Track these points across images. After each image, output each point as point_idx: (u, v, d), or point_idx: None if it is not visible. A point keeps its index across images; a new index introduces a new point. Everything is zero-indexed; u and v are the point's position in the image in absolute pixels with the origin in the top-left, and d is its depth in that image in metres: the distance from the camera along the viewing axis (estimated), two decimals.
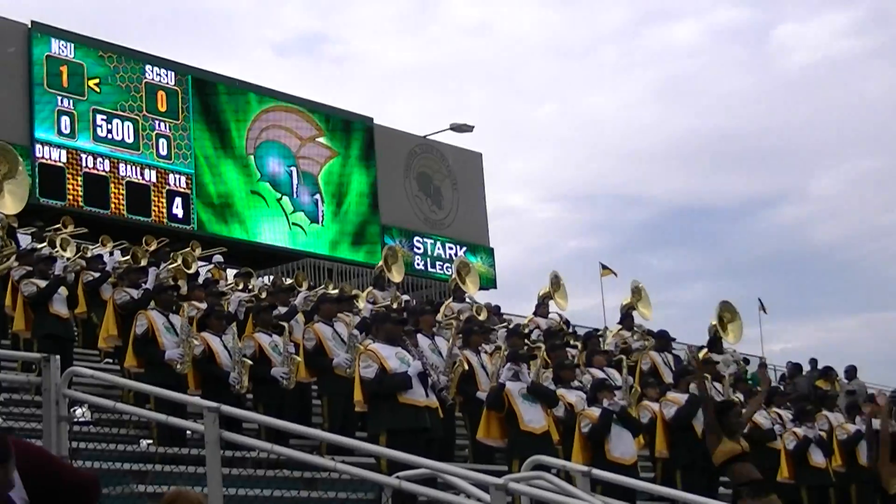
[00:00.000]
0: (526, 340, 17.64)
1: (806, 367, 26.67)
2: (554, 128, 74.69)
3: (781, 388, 23.41)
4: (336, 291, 21.40)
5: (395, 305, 19.72)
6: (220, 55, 72.69)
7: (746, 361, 24.31)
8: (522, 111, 75.70)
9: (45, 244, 18.54)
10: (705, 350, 20.81)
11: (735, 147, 74.19)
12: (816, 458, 16.56)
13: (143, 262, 18.52)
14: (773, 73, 73.78)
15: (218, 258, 23.35)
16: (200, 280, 19.83)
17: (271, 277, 25.14)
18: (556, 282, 22.97)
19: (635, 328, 21.61)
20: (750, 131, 72.59)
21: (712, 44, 75.52)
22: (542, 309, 22.24)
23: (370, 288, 22.56)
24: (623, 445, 14.20)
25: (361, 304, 19.23)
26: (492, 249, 38.90)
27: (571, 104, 76.18)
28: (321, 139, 35.26)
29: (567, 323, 22.55)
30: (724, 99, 73.62)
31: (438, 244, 37.21)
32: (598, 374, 16.85)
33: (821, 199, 74.44)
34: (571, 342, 19.49)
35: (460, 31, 76.69)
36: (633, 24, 76.75)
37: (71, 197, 28.47)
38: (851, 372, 25.34)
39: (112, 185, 29.61)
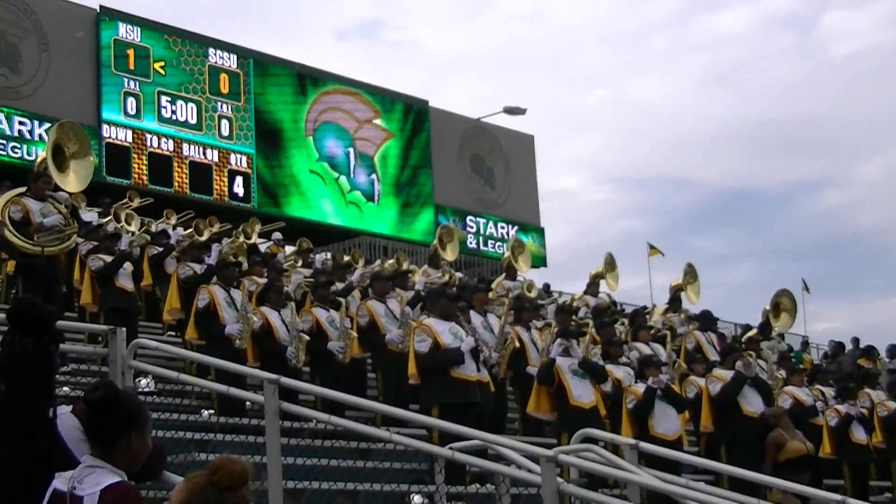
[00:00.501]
0: (574, 317, 17.59)
1: (848, 346, 26.54)
2: (605, 112, 74.66)
3: (824, 365, 23.30)
4: (391, 264, 21.47)
5: (447, 280, 19.72)
6: (284, 40, 73.05)
7: (791, 350, 24.13)
8: (574, 96, 75.73)
9: (110, 218, 18.66)
10: (754, 331, 20.72)
11: (781, 133, 73.96)
12: (858, 434, 16.50)
13: (206, 236, 18.61)
14: (820, 61, 73.51)
15: (277, 235, 23.43)
16: (260, 256, 19.89)
17: (328, 254, 25.14)
18: (610, 263, 22.89)
19: (681, 311, 21.50)
20: (796, 118, 72.31)
21: (760, 31, 75.24)
22: (592, 288, 22.20)
23: (424, 266, 22.58)
24: (667, 421, 14.15)
25: (416, 279, 19.26)
26: (542, 229, 38.85)
27: (622, 90, 76.13)
28: (377, 121, 35.31)
29: (615, 303, 22.48)
30: (771, 86, 73.42)
31: (491, 224, 37.21)
32: (644, 348, 16.83)
33: (864, 185, 74.18)
34: (619, 319, 19.42)
35: (514, 18, 76.65)
36: (683, 11, 76.58)
37: (136, 175, 28.66)
38: (893, 351, 25.15)
39: (175, 164, 29.80)
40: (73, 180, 14.38)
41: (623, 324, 19.02)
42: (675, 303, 21.84)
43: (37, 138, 27.07)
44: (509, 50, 76.48)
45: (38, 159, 14.74)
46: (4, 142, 26.18)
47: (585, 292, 22.17)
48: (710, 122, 76.26)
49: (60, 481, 4.54)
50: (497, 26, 75.90)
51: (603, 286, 22.55)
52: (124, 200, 20.90)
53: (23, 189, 14.29)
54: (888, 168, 73.05)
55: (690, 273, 22.64)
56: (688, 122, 76.41)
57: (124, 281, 15.19)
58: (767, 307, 20.78)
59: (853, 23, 74.21)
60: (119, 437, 4.63)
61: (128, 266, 15.56)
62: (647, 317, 20.76)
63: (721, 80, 74.73)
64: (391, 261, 23.12)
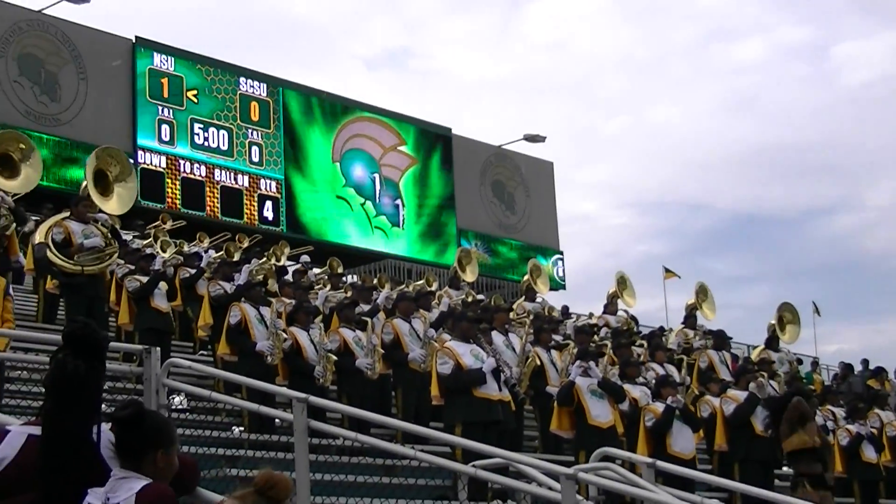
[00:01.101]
0: (594, 338, 17.57)
1: (858, 367, 26.44)
2: (624, 138, 74.88)
3: (834, 386, 23.22)
4: (418, 285, 21.47)
5: (469, 301, 19.71)
6: (314, 69, 73.32)
7: (800, 361, 24.09)
8: (595, 122, 75.88)
9: (147, 240, 18.74)
10: (762, 347, 20.71)
11: (795, 158, 74.09)
12: (868, 453, 16.50)
13: (236, 257, 18.65)
14: (832, 89, 73.66)
15: (305, 258, 23.45)
16: (288, 277, 19.90)
17: (355, 277, 25.16)
18: (622, 281, 22.91)
19: (697, 328, 21.49)
20: (809, 144, 72.53)
21: (775, 60, 75.35)
22: (611, 307, 22.21)
23: (446, 287, 22.60)
24: (683, 440, 14.11)
25: (438, 302, 19.25)
26: (561, 253, 38.82)
27: (641, 116, 76.22)
28: (402, 148, 35.39)
29: (635, 320, 22.44)
30: (785, 113, 73.58)
31: (510, 247, 37.23)
32: (659, 369, 16.78)
33: (875, 209, 74.20)
34: (637, 341, 19.38)
35: (537, 47, 76.94)
36: (701, 41, 76.78)
37: (170, 200, 28.78)
38: None
39: (207, 189, 29.92)
40: (115, 204, 14.47)
41: (641, 345, 18.97)
42: (690, 320, 21.85)
43: (75, 164, 27.20)
44: (532, 78, 76.76)
45: (83, 184, 14.83)
46: (44, 168, 26.26)
47: (604, 311, 22.18)
48: (727, 147, 76.53)
49: (94, 496, 4.57)
50: (520, 55, 76.20)
51: (621, 304, 22.53)
52: (157, 223, 20.96)
53: (66, 213, 14.39)
54: None
55: (702, 291, 22.65)
56: (705, 147, 76.65)
57: (159, 301, 15.22)
58: (773, 321, 20.78)
59: (864, 53, 74.43)
60: (146, 454, 4.69)
61: (162, 286, 15.59)
62: (664, 338, 20.72)
63: (737, 107, 74.96)
64: (421, 281, 23.15)
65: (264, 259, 19.42)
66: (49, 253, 13.73)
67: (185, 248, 18.74)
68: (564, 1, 77.93)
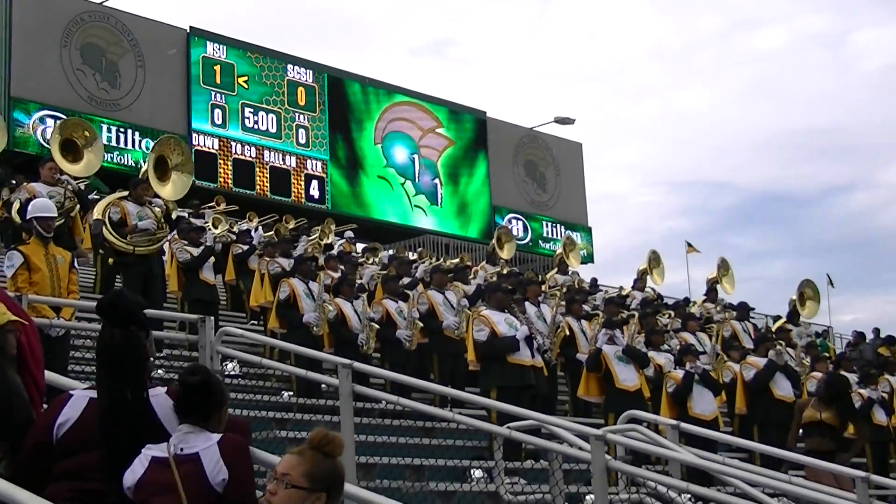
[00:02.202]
0: (623, 309, 17.53)
1: (869, 336, 26.33)
2: (653, 122, 74.89)
3: (847, 353, 23.12)
4: (455, 261, 21.48)
5: (504, 273, 19.70)
6: (362, 57, 73.44)
7: (818, 335, 23.97)
8: (626, 107, 75.81)
9: (202, 218, 18.81)
10: (783, 320, 20.63)
11: (814, 140, 73.95)
12: (879, 416, 16.45)
13: (288, 236, 18.68)
14: (850, 74, 73.46)
15: (349, 234, 23.50)
16: (335, 252, 19.92)
17: (394, 251, 25.17)
18: (654, 259, 22.77)
19: (718, 301, 21.41)
20: (827, 126, 72.44)
21: (795, 48, 75.11)
22: (640, 283, 22.12)
23: (483, 262, 22.59)
24: (703, 403, 14.07)
25: (476, 275, 19.24)
26: (590, 229, 38.74)
27: (669, 101, 76.16)
28: (440, 130, 35.35)
29: (660, 297, 22.36)
30: (805, 97, 73.50)
31: (542, 224, 37.17)
32: (690, 338, 16.78)
33: (889, 187, 74.24)
34: (662, 312, 19.31)
35: (571, 36, 76.81)
36: (726, 29, 76.55)
37: (222, 179, 28.88)
38: None
39: (257, 169, 30.00)
40: (170, 189, 14.47)
41: (669, 315, 18.91)
42: (711, 293, 21.76)
43: (133, 147, 27.31)
44: (565, 65, 76.70)
45: (143, 168, 14.88)
46: (105, 150, 26.37)
47: (633, 287, 22.10)
48: (749, 130, 76.45)
49: (157, 450, 4.61)
50: (554, 43, 76.19)
51: (650, 281, 22.44)
52: (212, 203, 21.00)
53: (125, 193, 14.43)
54: None
55: (723, 266, 22.53)
56: (729, 130, 76.57)
57: (207, 274, 15.17)
58: (794, 297, 20.67)
59: (880, 40, 74.15)
60: (212, 414, 4.78)
61: (210, 259, 15.57)
62: (688, 308, 20.65)
63: (759, 92, 74.82)
64: (455, 259, 23.13)
65: (315, 236, 19.47)
66: (104, 230, 13.76)
67: (235, 228, 18.75)
68: None
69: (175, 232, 15.45)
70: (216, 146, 29.30)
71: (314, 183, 31.24)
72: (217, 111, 29.63)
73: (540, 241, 36.74)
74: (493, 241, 23.19)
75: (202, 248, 15.18)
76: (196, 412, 4.73)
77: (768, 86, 74.48)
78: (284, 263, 15.64)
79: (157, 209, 14.13)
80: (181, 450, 4.58)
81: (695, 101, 75.88)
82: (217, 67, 30.01)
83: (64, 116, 22.72)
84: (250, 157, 30.00)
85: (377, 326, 14.28)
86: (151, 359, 5.11)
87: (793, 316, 20.39)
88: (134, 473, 4.58)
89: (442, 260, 22.00)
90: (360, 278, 16.77)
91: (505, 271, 20.03)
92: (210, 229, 17.31)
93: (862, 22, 76.53)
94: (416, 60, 74.78)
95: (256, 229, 20.49)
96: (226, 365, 12.20)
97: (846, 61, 75.09)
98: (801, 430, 12.15)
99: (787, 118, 74.76)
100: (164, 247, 15.02)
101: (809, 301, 20.81)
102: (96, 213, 14.18)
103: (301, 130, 31.42)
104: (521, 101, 72.27)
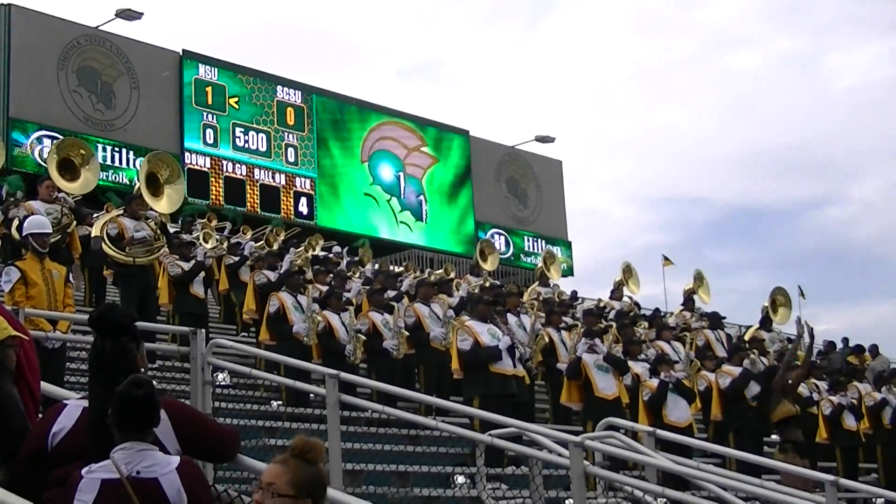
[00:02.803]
0: (601, 319, 17.56)
1: (839, 345, 26.42)
2: (634, 140, 75.25)
3: (818, 362, 23.18)
4: (438, 274, 21.47)
5: (486, 286, 19.72)
6: (351, 78, 73.58)
7: (790, 340, 24.01)
8: (606, 126, 76.02)
9: (197, 234, 18.78)
10: (756, 327, 20.70)
11: (787, 157, 74.48)
12: (849, 421, 16.53)
13: (276, 246, 18.65)
14: (822, 94, 73.99)
15: (337, 248, 23.47)
16: (323, 267, 19.88)
17: (377, 265, 25.16)
18: (628, 270, 22.86)
19: (695, 310, 21.47)
20: (801, 143, 72.93)
21: (770, 69, 75.41)
22: (617, 293, 22.18)
23: (466, 274, 22.59)
24: (678, 410, 14.06)
25: (459, 288, 19.23)
26: (570, 243, 38.78)
27: (648, 120, 76.42)
28: (425, 149, 35.39)
29: (637, 305, 22.40)
30: (779, 116, 73.99)
31: (524, 238, 37.22)
32: (665, 346, 16.79)
33: (860, 203, 74.76)
34: (640, 322, 19.35)
35: (555, 57, 77.12)
36: (703, 51, 76.93)
37: (214, 196, 28.87)
38: (875, 349, 25.21)
39: (248, 187, 30.01)
40: (165, 203, 14.56)
41: (644, 326, 18.95)
42: (688, 303, 21.82)
43: (128, 165, 27.28)
44: (548, 85, 76.91)
45: (136, 185, 14.95)
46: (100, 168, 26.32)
47: (611, 297, 22.15)
48: (726, 148, 76.85)
49: (102, 471, 4.43)
50: (538, 65, 76.40)
51: (626, 291, 22.50)
52: (203, 220, 20.97)
53: (120, 211, 14.44)
54: (881, 188, 73.77)
55: (699, 278, 22.60)
56: (705, 147, 76.93)
57: (197, 288, 15.12)
58: (766, 304, 20.75)
59: (851, 61, 74.66)
60: (151, 426, 4.60)
61: (201, 274, 15.53)
62: (664, 318, 20.69)
63: (736, 111, 75.23)
64: (440, 271, 23.12)
65: (301, 249, 19.44)
66: (104, 245, 13.79)
67: (225, 244, 18.67)
68: (581, 15, 77.94)
69: (166, 246, 15.44)
70: (208, 164, 29.29)
71: (303, 200, 31.25)
72: (209, 131, 29.63)
73: (522, 255, 36.78)
74: (477, 254, 23.23)
75: (193, 262, 15.15)
76: (139, 427, 4.55)
77: (744, 105, 74.98)
78: (270, 275, 15.61)
79: (152, 222, 14.16)
80: (137, 472, 4.41)
81: (673, 120, 76.24)
82: (209, 89, 30.03)
83: (61, 136, 22.69)
84: (241, 174, 30.00)
85: (364, 338, 14.26)
86: (143, 370, 5.09)
87: (765, 322, 20.50)
88: (83, 501, 4.38)
89: (426, 273, 21.96)
90: (348, 292, 16.75)
91: (487, 284, 20.06)
92: (200, 244, 17.26)
93: (834, 45, 77.16)
94: (403, 81, 74.95)
95: (248, 242, 20.44)
96: (217, 375, 12.16)
97: (819, 82, 75.61)
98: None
99: (762, 136, 75.26)
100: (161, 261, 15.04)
101: (781, 308, 20.93)
102: (95, 230, 14.21)
103: (290, 149, 31.44)
104: (503, 120, 72.65)
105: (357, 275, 19.63)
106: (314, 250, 21.16)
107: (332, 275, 17.14)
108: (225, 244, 18.01)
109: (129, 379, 4.60)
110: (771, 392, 12.58)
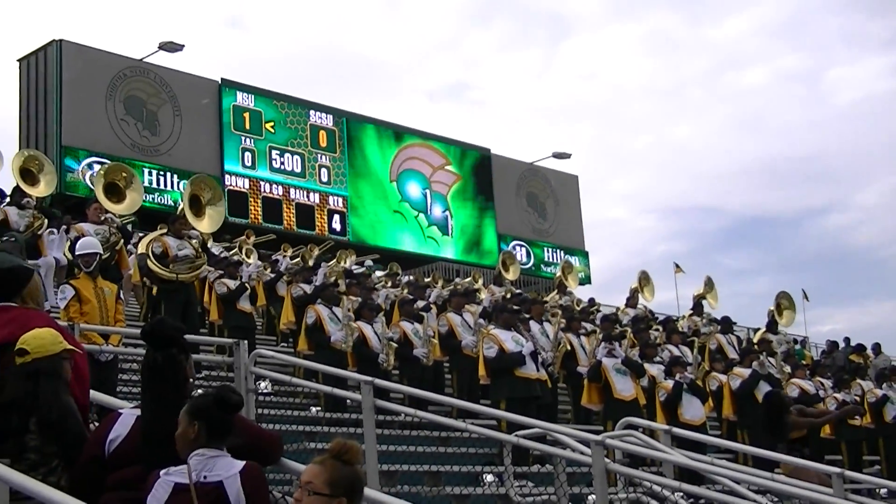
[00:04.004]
0: (616, 325, 17.53)
1: (842, 344, 26.31)
2: (649, 154, 75.20)
3: (822, 361, 23.09)
4: (465, 282, 21.48)
5: (508, 296, 19.71)
6: (383, 101, 73.90)
7: (796, 342, 23.95)
8: (624, 141, 76.12)
9: (234, 251, 18.90)
10: (763, 330, 20.62)
11: (793, 168, 74.58)
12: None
13: (311, 263, 18.71)
14: (825, 108, 74.14)
15: (369, 262, 23.51)
16: (355, 280, 19.92)
17: (410, 277, 25.19)
18: (644, 278, 22.75)
19: (704, 315, 21.37)
20: (805, 155, 73.11)
21: (776, 85, 75.47)
22: (632, 301, 22.08)
23: (490, 284, 22.58)
24: (693, 409, 14.03)
25: (483, 296, 19.26)
26: (587, 253, 38.71)
27: (663, 135, 76.52)
28: (449, 167, 35.39)
29: (651, 312, 22.32)
30: (784, 129, 74.03)
31: (543, 249, 37.19)
32: (675, 350, 16.77)
33: (861, 209, 74.75)
34: (654, 326, 19.30)
35: (573, 78, 77.17)
36: (713, 69, 77.01)
37: (252, 216, 28.92)
38: (877, 348, 25.09)
39: (284, 206, 30.04)
40: (207, 223, 14.63)
41: (657, 330, 18.90)
42: (697, 308, 21.73)
43: (172, 188, 27.41)
44: (567, 104, 77.00)
45: (180, 206, 15.03)
46: (146, 192, 26.45)
47: (626, 305, 22.06)
48: (735, 159, 76.86)
49: (177, 475, 4.53)
50: (558, 85, 76.52)
51: (641, 299, 22.40)
52: (242, 237, 21.05)
53: (164, 230, 14.53)
54: (881, 195, 73.77)
55: (708, 283, 22.51)
56: (717, 160, 77.03)
57: (244, 303, 15.26)
58: (772, 307, 20.69)
59: (851, 77, 74.71)
60: (231, 433, 4.70)
61: (247, 290, 15.63)
62: (676, 323, 20.63)
63: (744, 124, 75.27)
64: (468, 280, 23.13)
65: (333, 262, 19.49)
66: (149, 262, 13.86)
67: (268, 269, 18.71)
68: (597, 38, 78.01)
69: (214, 268, 15.56)
70: (247, 186, 29.36)
71: (336, 217, 31.28)
72: (247, 154, 29.70)
73: (542, 265, 36.71)
74: (499, 264, 23.20)
75: (238, 282, 15.27)
76: (222, 432, 4.65)
77: (752, 119, 74.98)
78: (306, 288, 15.68)
79: (195, 241, 14.22)
80: (204, 477, 4.50)
81: (685, 134, 76.31)
82: (246, 114, 30.11)
83: (109, 162, 22.82)
84: (278, 195, 30.05)
85: (396, 346, 14.28)
86: (191, 379, 5.13)
87: (772, 325, 20.43)
88: (157, 500, 4.50)
89: (453, 284, 21.96)
90: (377, 299, 16.79)
91: (509, 295, 20.04)
92: (245, 262, 17.43)
93: (834, 61, 77.16)
94: (432, 103, 75.36)
95: (285, 258, 20.54)
96: (259, 384, 12.21)
97: (821, 96, 75.68)
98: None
99: (769, 148, 75.28)
100: (205, 277, 15.11)
101: (786, 311, 20.84)
102: (140, 248, 14.29)
103: (323, 170, 31.48)
104: (524, 138, 72.90)
105: (389, 284, 19.70)
106: (345, 262, 21.19)
107: (361, 286, 17.19)
108: (268, 269, 18.11)
109: (224, 386, 4.71)
110: (783, 421, 12.50)
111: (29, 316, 5.56)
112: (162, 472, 4.53)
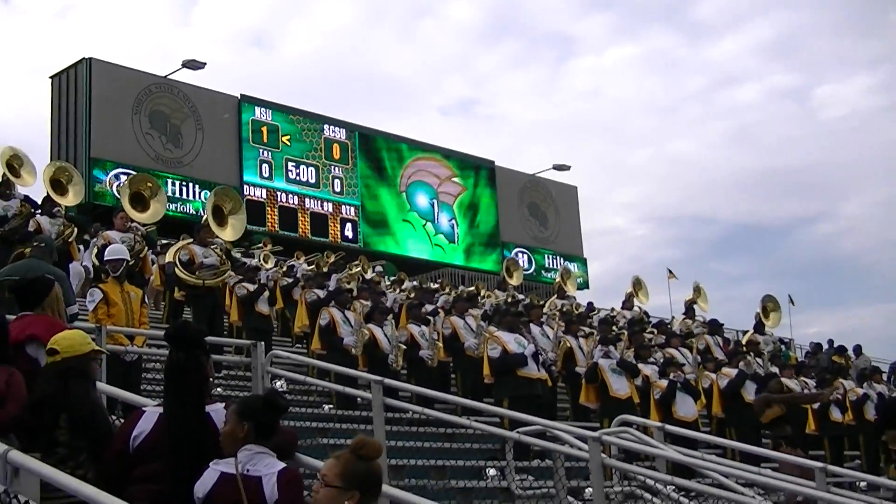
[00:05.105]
0: (613, 327, 17.53)
1: (825, 346, 26.27)
2: (647, 167, 75.26)
3: (806, 361, 23.06)
4: (470, 290, 21.48)
5: (509, 300, 19.72)
6: (396, 116, 74.10)
7: (782, 342, 23.93)
8: (624, 154, 76.20)
9: (252, 258, 18.93)
10: (751, 332, 20.62)
11: (783, 179, 74.67)
12: (835, 414, 16.47)
13: (325, 270, 18.72)
14: (815, 122, 74.27)
15: (379, 268, 23.51)
16: (367, 285, 19.93)
17: (416, 282, 25.21)
18: (637, 283, 22.76)
19: (696, 318, 21.38)
20: (795, 167, 73.24)
21: (768, 101, 75.57)
22: (628, 304, 22.08)
23: (494, 289, 22.58)
24: (686, 407, 14.02)
25: (490, 301, 19.27)
26: (585, 260, 38.70)
27: (660, 148, 76.64)
28: (455, 179, 35.42)
29: (646, 314, 22.32)
30: (776, 143, 74.20)
31: (544, 256, 37.19)
32: (674, 352, 16.76)
33: (848, 219, 74.82)
34: (649, 329, 19.29)
35: (577, 95, 77.19)
36: (709, 87, 77.12)
37: (269, 224, 28.96)
38: (858, 349, 25.06)
39: (300, 215, 30.08)
40: (229, 232, 14.68)
41: (652, 332, 18.90)
42: (689, 312, 21.72)
43: (194, 198, 27.47)
44: (571, 119, 77.03)
45: (204, 216, 15.07)
46: (169, 201, 26.48)
47: (622, 307, 22.06)
48: (729, 171, 76.91)
49: (225, 465, 4.59)
50: (562, 101, 76.59)
51: (636, 302, 22.41)
52: (260, 244, 21.10)
53: (190, 239, 14.57)
54: (867, 206, 73.94)
55: (697, 289, 22.50)
56: (711, 172, 77.07)
57: (262, 306, 15.25)
58: (759, 310, 20.68)
59: (840, 93, 74.88)
60: (276, 431, 4.78)
61: (265, 294, 15.64)
62: (669, 326, 20.63)
63: (738, 139, 75.35)
64: (471, 287, 23.14)
65: (347, 269, 19.50)
66: (176, 269, 13.91)
67: (285, 267, 18.76)
68: (600, 57, 78.00)
69: (233, 272, 15.57)
70: (264, 196, 29.41)
71: (348, 225, 31.32)
72: (265, 165, 29.75)
73: (543, 271, 36.71)
74: (503, 270, 23.20)
75: (257, 284, 15.30)
76: (268, 431, 4.72)
77: (745, 133, 75.10)
78: (320, 293, 15.69)
79: (219, 249, 14.25)
80: (247, 470, 4.57)
81: (682, 148, 76.48)
82: (264, 128, 30.16)
83: (135, 173, 22.87)
84: (293, 204, 30.09)
85: (404, 347, 14.28)
86: (211, 379, 5.16)
87: (759, 326, 20.45)
88: (204, 485, 4.57)
89: (458, 290, 21.97)
90: (386, 302, 16.79)
91: (510, 299, 20.05)
92: (263, 267, 17.45)
93: (824, 78, 77.32)
94: (444, 118, 75.57)
95: (301, 264, 20.56)
96: (275, 383, 12.22)
97: (811, 112, 75.81)
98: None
99: (760, 161, 75.31)
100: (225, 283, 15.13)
101: (772, 312, 20.85)
102: (168, 256, 14.36)
103: (336, 181, 31.51)
104: (529, 151, 72.96)
105: (397, 290, 19.71)
106: (365, 269, 21.23)
107: (371, 291, 17.20)
108: (283, 269, 18.12)
109: (271, 390, 4.77)
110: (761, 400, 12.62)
111: (28, 321, 5.70)
112: (212, 463, 4.62)
